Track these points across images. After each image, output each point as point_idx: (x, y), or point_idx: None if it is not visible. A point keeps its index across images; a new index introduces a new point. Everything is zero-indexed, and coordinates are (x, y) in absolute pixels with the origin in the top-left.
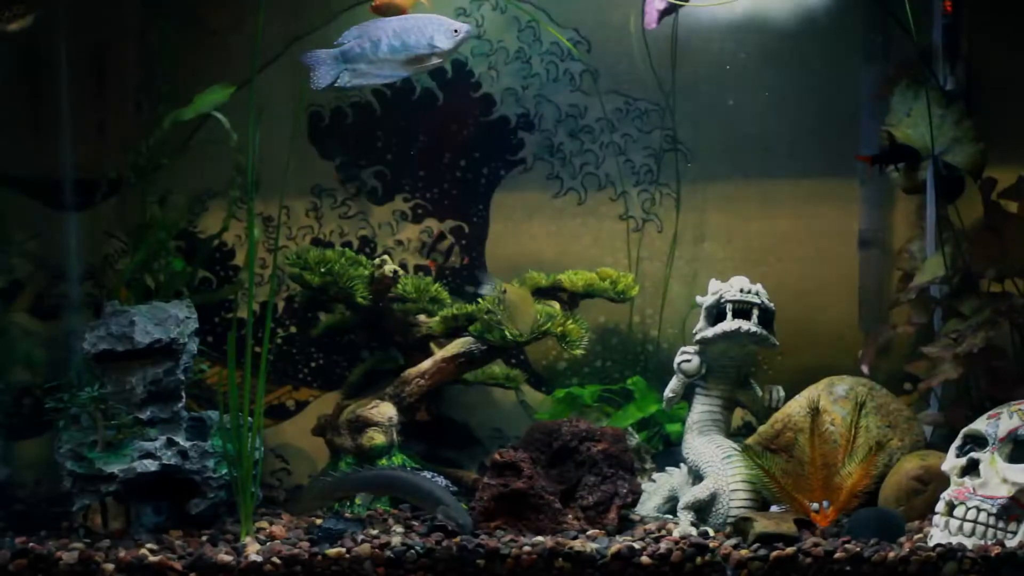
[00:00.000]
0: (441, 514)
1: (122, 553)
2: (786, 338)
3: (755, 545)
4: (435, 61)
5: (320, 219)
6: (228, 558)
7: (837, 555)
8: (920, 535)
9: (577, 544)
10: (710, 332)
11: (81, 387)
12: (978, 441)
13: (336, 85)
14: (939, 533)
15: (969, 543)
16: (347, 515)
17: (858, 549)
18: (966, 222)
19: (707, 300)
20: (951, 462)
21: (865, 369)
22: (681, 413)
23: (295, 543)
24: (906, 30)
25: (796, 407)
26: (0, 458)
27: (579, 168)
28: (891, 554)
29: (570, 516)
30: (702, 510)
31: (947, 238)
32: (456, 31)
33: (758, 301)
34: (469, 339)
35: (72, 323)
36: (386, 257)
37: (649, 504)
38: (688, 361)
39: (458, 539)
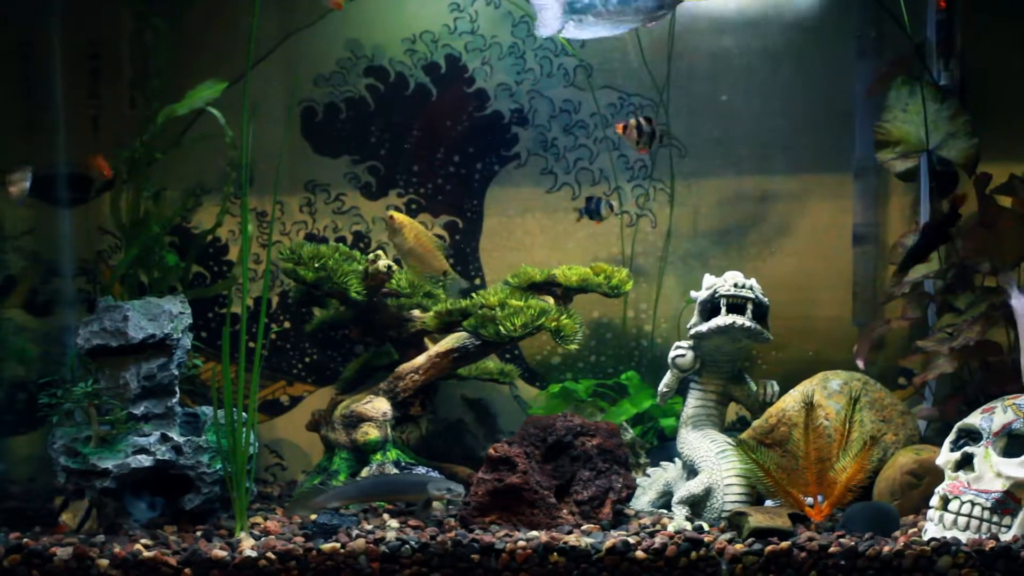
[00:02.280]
0: (433, 489)
1: (116, 549)
2: (780, 333)
3: (750, 539)
4: (663, 13)
5: (314, 214)
6: (222, 553)
7: (832, 549)
8: (914, 529)
9: (572, 539)
10: (704, 327)
11: (75, 382)
12: (972, 435)
13: (561, 35)
14: (933, 527)
15: (963, 537)
16: (342, 511)
17: (852, 543)
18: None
19: (701, 295)
20: (945, 456)
21: (860, 363)
22: (675, 408)
23: (290, 538)
24: (901, 26)
25: (790, 401)
26: None
27: (573, 163)
28: (885, 548)
29: (564, 511)
30: (697, 505)
31: None
32: None
33: (752, 296)
34: (463, 334)
35: (66, 319)
36: (380, 252)
37: (644, 499)
38: (682, 356)
39: (453, 533)
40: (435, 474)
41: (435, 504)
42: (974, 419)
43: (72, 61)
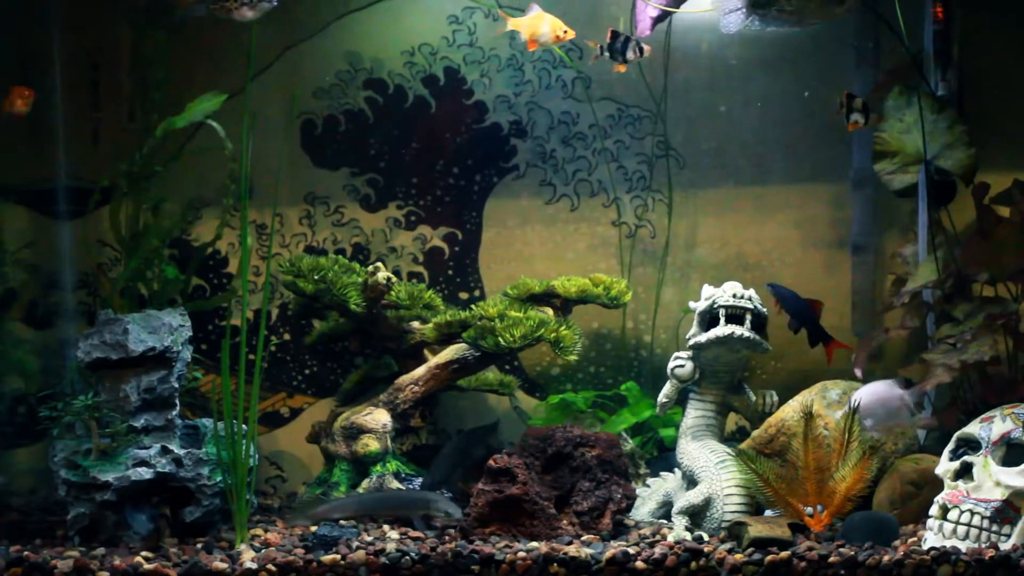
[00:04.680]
0: (432, 510)
1: (117, 561)
2: (779, 343)
3: (750, 549)
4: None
5: (313, 226)
6: (223, 565)
7: (831, 559)
8: (914, 539)
9: (572, 550)
10: (703, 337)
11: (75, 395)
12: (971, 444)
13: (747, 27)
14: (933, 536)
15: (963, 546)
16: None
17: (852, 553)
18: (958, 227)
19: (700, 305)
20: (945, 466)
21: (859, 373)
22: (675, 418)
23: (290, 550)
24: (899, 36)
25: (790, 411)
26: None
27: (572, 175)
28: (885, 558)
29: (565, 521)
30: (696, 515)
31: (939, 243)
32: None
33: (751, 306)
34: (463, 346)
35: (66, 331)
36: (379, 264)
37: (643, 509)
38: (681, 366)
39: (453, 544)
40: (440, 495)
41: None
42: (973, 428)
43: (72, 73)
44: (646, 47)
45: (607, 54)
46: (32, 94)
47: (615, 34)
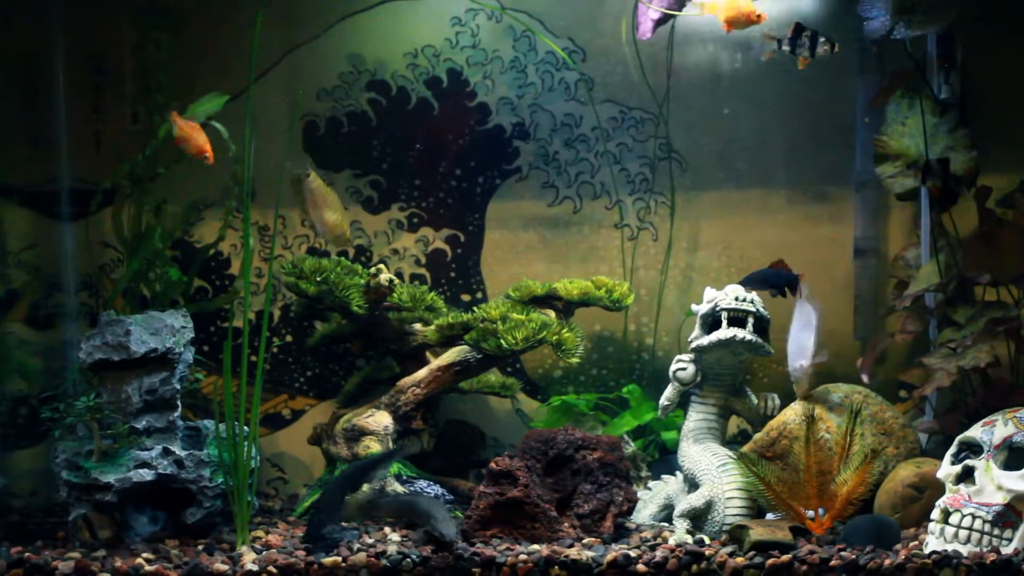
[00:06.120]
0: (431, 527)
1: (118, 563)
2: (781, 346)
3: (751, 553)
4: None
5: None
6: (224, 567)
7: (833, 563)
8: (915, 542)
9: (573, 552)
10: (705, 340)
11: (77, 397)
12: (973, 448)
13: (893, 36)
14: (934, 540)
15: (964, 550)
16: (343, 524)
17: (853, 556)
18: (960, 230)
19: (702, 308)
20: (946, 469)
21: (865, 377)
22: (677, 421)
23: (291, 552)
24: (901, 40)
25: (791, 415)
26: None
27: (574, 177)
28: (886, 561)
29: (566, 524)
30: (698, 518)
31: (942, 246)
32: None
33: (753, 309)
34: (465, 348)
35: (68, 333)
36: (382, 266)
37: (645, 512)
38: (683, 369)
39: (454, 547)
40: (436, 487)
41: None
42: (975, 432)
43: (75, 76)
44: (836, 44)
45: (787, 48)
46: (207, 153)
47: (799, 27)
